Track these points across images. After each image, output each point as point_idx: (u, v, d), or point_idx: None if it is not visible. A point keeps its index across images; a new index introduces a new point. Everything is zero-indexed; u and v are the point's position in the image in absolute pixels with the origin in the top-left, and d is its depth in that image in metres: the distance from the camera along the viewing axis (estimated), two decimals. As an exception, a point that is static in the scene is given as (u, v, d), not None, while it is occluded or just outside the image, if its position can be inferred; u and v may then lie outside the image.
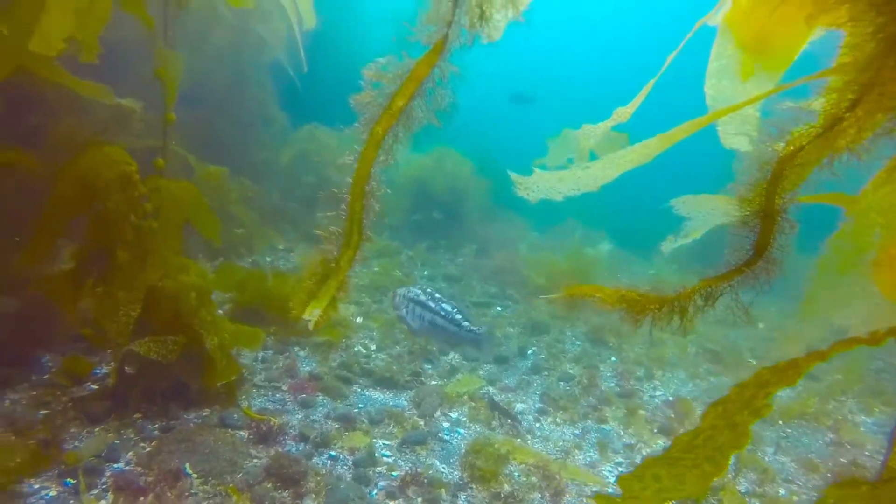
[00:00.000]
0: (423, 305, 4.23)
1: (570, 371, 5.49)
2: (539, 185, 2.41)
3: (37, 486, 2.90)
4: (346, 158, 1.85)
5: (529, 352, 5.84)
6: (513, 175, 2.51)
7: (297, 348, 4.94)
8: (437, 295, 4.29)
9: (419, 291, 4.33)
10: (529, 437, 4.25)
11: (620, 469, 3.98)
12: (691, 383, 5.63)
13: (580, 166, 2.32)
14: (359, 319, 5.75)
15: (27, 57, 3.32)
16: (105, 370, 4.05)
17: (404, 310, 4.39)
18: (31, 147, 4.12)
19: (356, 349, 5.13)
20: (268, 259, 7.34)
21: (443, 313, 4.21)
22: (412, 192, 9.36)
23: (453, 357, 5.40)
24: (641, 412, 4.76)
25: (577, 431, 4.42)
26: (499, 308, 7.10)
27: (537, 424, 4.45)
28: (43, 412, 3.49)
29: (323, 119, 9.44)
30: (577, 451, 4.12)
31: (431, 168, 9.14)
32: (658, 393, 5.28)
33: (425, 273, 7.80)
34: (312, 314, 1.98)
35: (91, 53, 3.57)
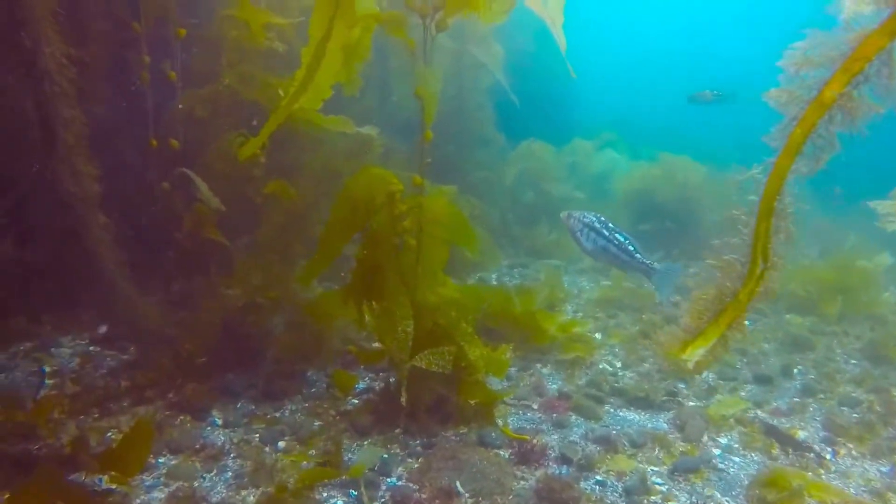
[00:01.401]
0: (598, 232, 4.25)
1: (854, 395, 4.67)
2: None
3: (325, 495, 3.05)
4: (752, 172, 1.58)
5: (795, 371, 5.09)
6: (876, 204, 2.09)
7: (539, 365, 4.81)
8: (610, 224, 4.28)
9: (594, 218, 4.38)
10: (822, 471, 3.63)
11: (963, 521, 3.21)
12: None
13: None
14: (597, 336, 5.47)
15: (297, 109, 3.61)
16: (363, 385, 4.26)
17: (578, 232, 4.40)
18: (289, 179, 4.53)
19: (601, 366, 4.86)
20: (493, 276, 7.38)
21: (615, 242, 4.21)
22: (637, 202, 8.90)
23: (707, 375, 4.88)
24: (974, 450, 3.86)
25: (884, 468, 3.68)
26: (747, 322, 6.32)
27: (828, 457, 3.79)
28: (317, 423, 3.72)
29: (537, 135, 9.41)
30: (892, 494, 3.42)
31: (658, 177, 8.60)
32: None
33: (658, 285, 7.27)
34: (694, 354, 1.77)
35: (353, 88, 3.79)
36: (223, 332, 3.91)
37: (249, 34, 4.50)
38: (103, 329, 4.33)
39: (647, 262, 4.19)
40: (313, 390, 4.16)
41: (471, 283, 6.47)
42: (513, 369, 4.64)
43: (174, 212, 4.29)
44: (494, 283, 7.09)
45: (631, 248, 4.20)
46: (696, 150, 9.16)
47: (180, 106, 4.43)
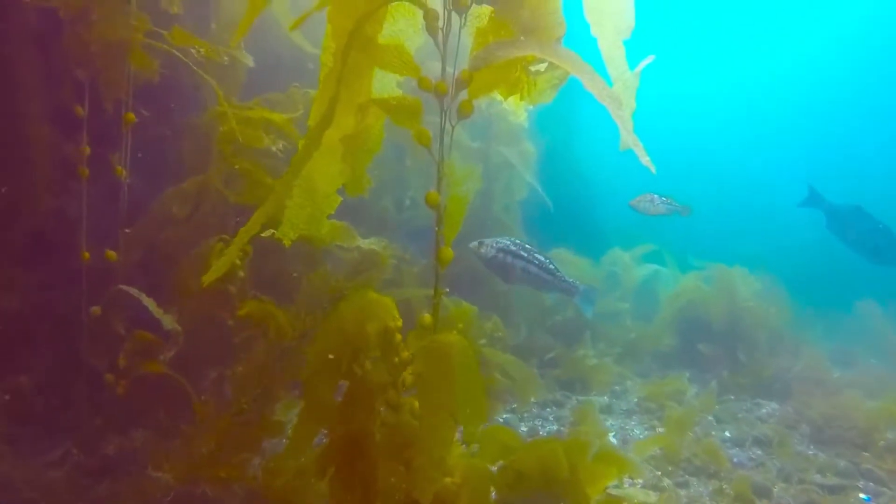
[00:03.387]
0: (515, 255, 4.14)
1: None
2: None
3: None
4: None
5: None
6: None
7: (588, 561, 3.50)
8: (527, 246, 4.22)
9: (508, 242, 4.30)
10: None
11: None
12: None
13: None
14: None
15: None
16: None
17: (493, 259, 4.19)
18: (276, 299, 3.57)
19: (674, 566, 3.55)
20: (515, 416, 5.99)
21: (536, 262, 4.14)
22: (680, 318, 7.81)
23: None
24: None
25: None
26: (863, 496, 4.59)
27: None
28: None
29: (565, 243, 8.52)
30: None
31: (706, 290, 7.57)
32: None
33: (727, 434, 5.80)
34: None
35: (361, 188, 2.89)
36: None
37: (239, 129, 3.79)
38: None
39: (570, 280, 4.22)
40: None
41: (508, 430, 5.23)
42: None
43: (109, 343, 3.29)
44: (518, 425, 5.73)
45: (552, 266, 4.18)
46: (752, 261, 8.19)
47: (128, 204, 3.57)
